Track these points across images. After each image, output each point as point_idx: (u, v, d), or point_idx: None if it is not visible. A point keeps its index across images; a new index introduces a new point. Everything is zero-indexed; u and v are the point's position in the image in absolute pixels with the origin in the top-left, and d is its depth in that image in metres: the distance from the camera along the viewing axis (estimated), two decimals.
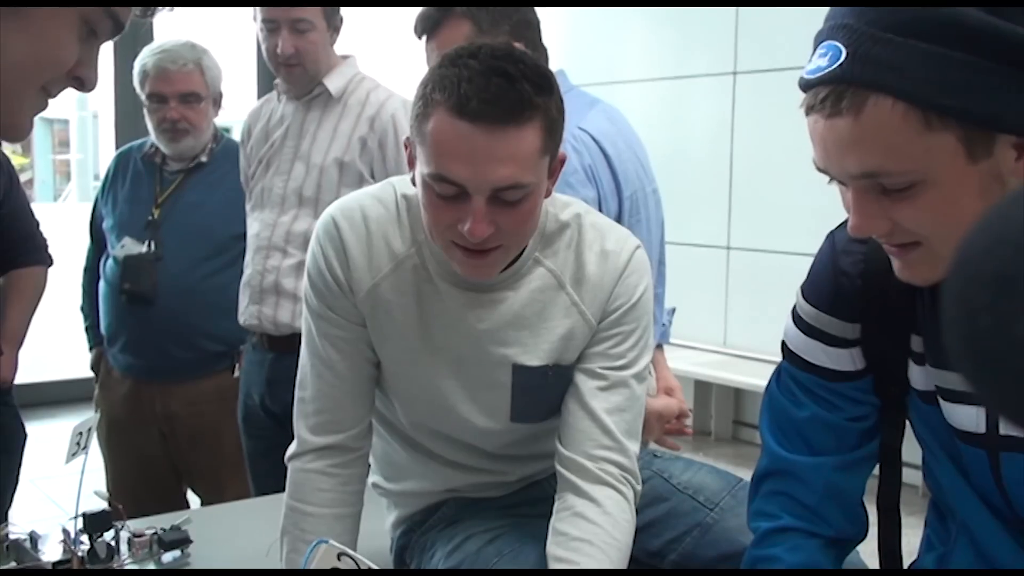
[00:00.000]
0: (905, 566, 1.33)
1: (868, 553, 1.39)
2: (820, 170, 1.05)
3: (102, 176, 2.85)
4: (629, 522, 1.46)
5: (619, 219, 2.04)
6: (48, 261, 2.38)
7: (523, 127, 1.30)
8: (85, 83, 0.94)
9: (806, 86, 1.03)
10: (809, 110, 1.02)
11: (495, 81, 1.28)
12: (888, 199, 1.01)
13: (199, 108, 2.63)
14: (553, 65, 2.04)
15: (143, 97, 2.64)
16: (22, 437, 2.35)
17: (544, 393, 1.53)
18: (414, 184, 1.42)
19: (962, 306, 0.67)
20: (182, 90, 2.61)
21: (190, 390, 2.66)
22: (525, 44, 1.97)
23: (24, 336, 2.28)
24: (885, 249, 1.08)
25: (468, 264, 1.40)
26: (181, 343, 2.62)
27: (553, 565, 1.39)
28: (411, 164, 1.41)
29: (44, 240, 2.45)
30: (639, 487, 1.51)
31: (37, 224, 2.51)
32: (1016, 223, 0.66)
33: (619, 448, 1.48)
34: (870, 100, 0.97)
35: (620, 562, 1.40)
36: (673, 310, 2.44)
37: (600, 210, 1.96)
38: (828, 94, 0.99)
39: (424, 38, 2.01)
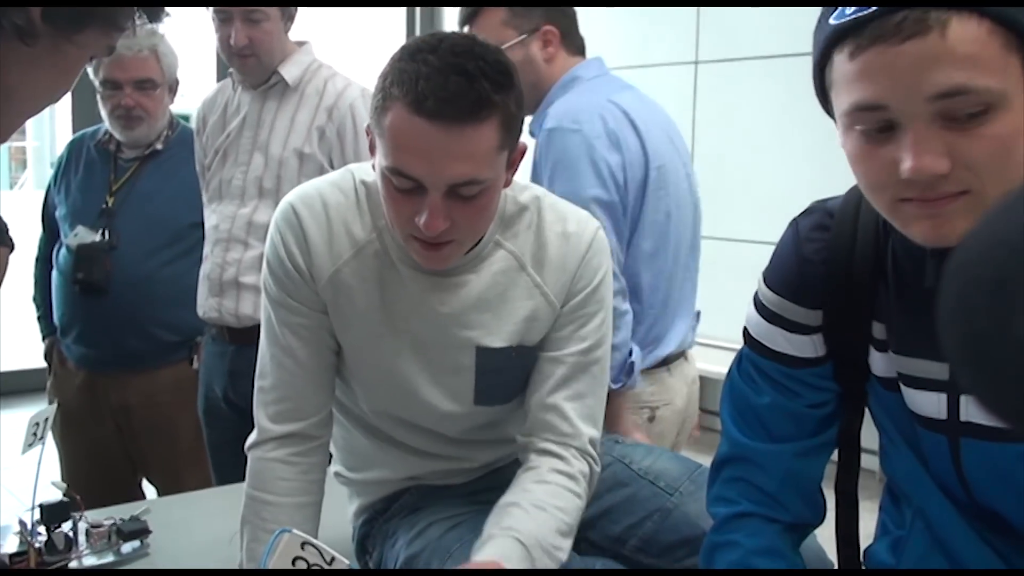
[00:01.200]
0: (861, 550, 1.34)
1: (825, 537, 1.41)
2: (867, 109, 0.99)
3: (55, 164, 2.80)
4: (569, 487, 1.47)
5: (644, 187, 2.10)
6: (9, 243, 2.34)
7: (480, 125, 1.31)
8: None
9: (862, 22, 0.97)
10: (873, 42, 0.96)
11: (453, 79, 1.28)
12: (953, 133, 0.96)
13: (154, 95, 2.60)
14: (589, 51, 2.19)
15: (97, 83, 2.60)
16: None
17: (507, 375, 1.53)
18: (373, 169, 1.42)
19: (960, 308, 0.67)
20: (137, 76, 2.57)
21: (146, 381, 2.63)
22: (556, 24, 2.11)
23: None
24: (916, 210, 1.00)
25: (424, 256, 1.41)
26: (136, 333, 2.59)
27: (485, 530, 1.40)
28: (372, 151, 1.41)
29: (4, 224, 2.40)
30: (598, 467, 1.53)
31: None
32: (1013, 225, 0.66)
33: (576, 435, 1.51)
34: (954, 18, 0.94)
35: (537, 518, 1.40)
36: (698, 313, 2.54)
37: (625, 176, 2.02)
38: (905, 17, 0.94)
39: (466, 28, 2.14)
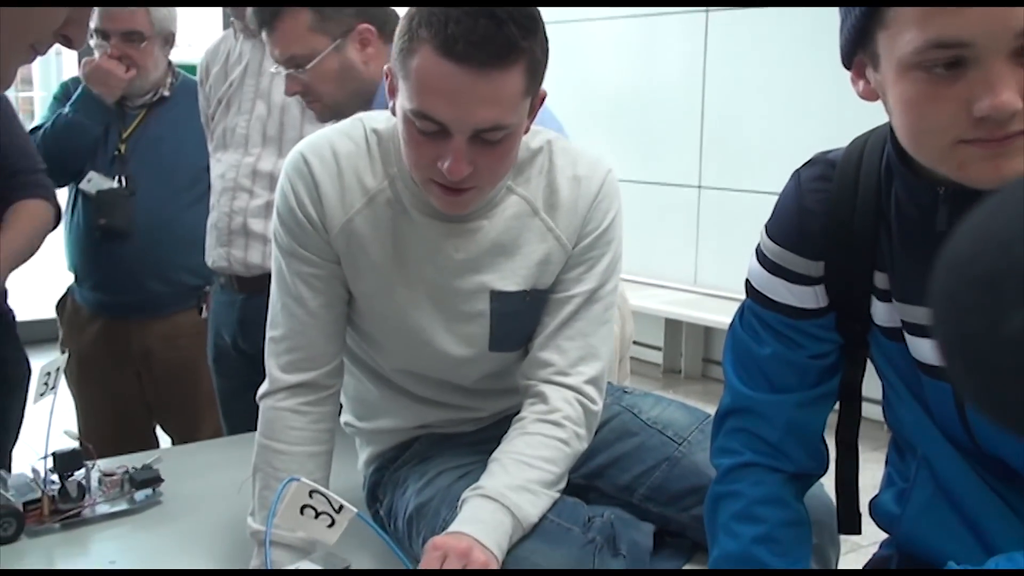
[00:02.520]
0: (863, 501, 1.35)
1: (831, 489, 1.42)
2: (945, 46, 0.95)
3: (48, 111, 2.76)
4: (551, 436, 1.48)
5: None
6: (51, 197, 2.30)
7: (508, 70, 1.30)
8: (73, 42, 0.98)
9: None
10: None
11: (483, 23, 1.27)
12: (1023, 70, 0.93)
13: (142, 48, 2.59)
14: None
15: (91, 32, 2.60)
16: (27, 372, 2.31)
17: (522, 319, 1.54)
18: (394, 114, 1.41)
19: (950, 306, 0.67)
20: (123, 28, 2.56)
21: (167, 325, 2.66)
22: (371, 21, 1.92)
23: (11, 265, 2.19)
24: (980, 150, 0.97)
25: (445, 200, 1.41)
26: (158, 277, 2.62)
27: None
28: (391, 94, 1.40)
29: (48, 181, 2.36)
30: (596, 407, 1.54)
31: (41, 165, 2.42)
32: (1003, 223, 0.66)
33: (570, 372, 1.52)
34: None
35: (513, 471, 1.42)
36: None
37: None
38: None
39: (264, 32, 1.95)
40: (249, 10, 1.93)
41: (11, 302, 2.27)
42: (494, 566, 1.32)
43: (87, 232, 2.61)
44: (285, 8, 1.88)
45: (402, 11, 1.92)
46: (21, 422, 2.27)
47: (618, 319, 2.34)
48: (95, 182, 2.58)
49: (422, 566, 1.28)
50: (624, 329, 2.36)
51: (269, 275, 1.59)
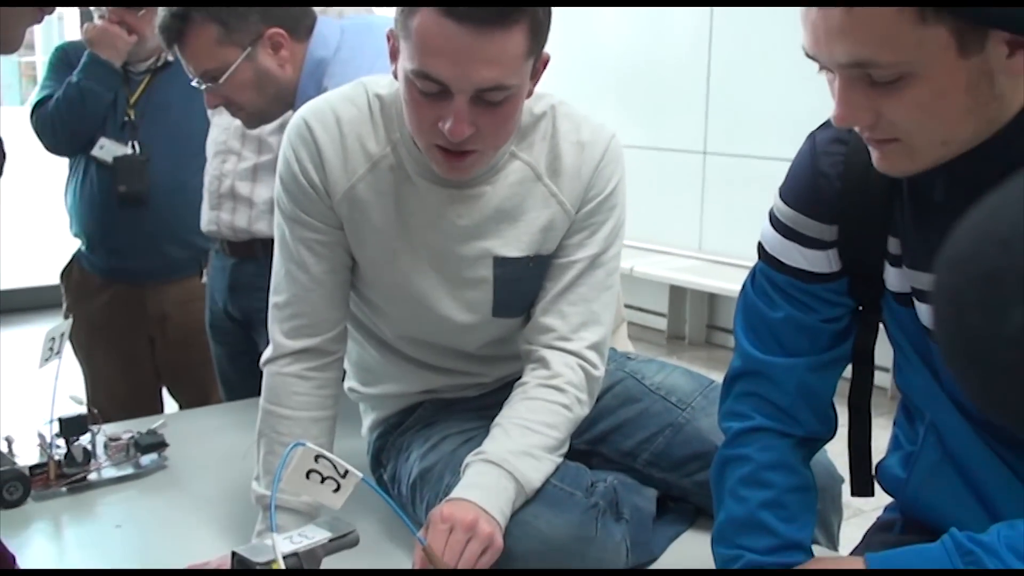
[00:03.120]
0: (873, 464, 1.35)
1: (837, 453, 1.42)
2: (809, 56, 1.04)
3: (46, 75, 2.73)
4: (553, 401, 1.48)
5: None
6: None
7: (509, 29, 1.29)
8: None
9: None
10: None
11: None
12: (875, 91, 1.00)
13: (140, 15, 2.57)
14: None
15: None
16: None
17: (525, 285, 1.54)
18: (396, 77, 1.40)
19: (951, 303, 0.67)
20: None
21: (182, 289, 2.67)
22: (280, 24, 1.88)
23: None
24: (864, 140, 1.08)
25: (447, 165, 1.40)
26: (175, 241, 2.63)
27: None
28: (393, 57, 1.39)
29: None
30: (597, 372, 1.54)
31: None
32: (1004, 221, 0.66)
33: (572, 338, 1.52)
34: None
35: (515, 436, 1.43)
36: None
37: None
38: None
39: (175, 48, 1.91)
40: (158, 28, 1.90)
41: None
42: (499, 538, 1.32)
43: (103, 199, 2.61)
44: (189, 25, 1.84)
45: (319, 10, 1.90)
46: None
47: None
48: (108, 149, 2.58)
49: (429, 539, 1.28)
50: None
51: (257, 240, 1.58)
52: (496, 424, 1.47)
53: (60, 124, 2.55)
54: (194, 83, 1.93)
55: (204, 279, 2.59)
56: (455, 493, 1.36)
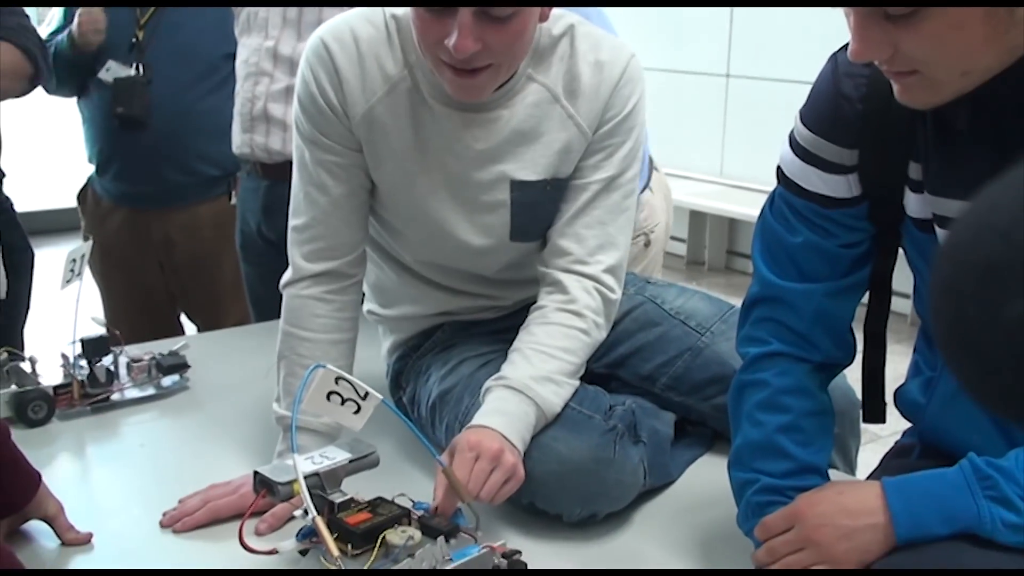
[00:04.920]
0: (888, 391, 1.35)
1: (856, 379, 1.42)
2: None
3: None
4: (571, 326, 1.49)
5: None
6: (25, 46, 2.24)
7: None
8: None
9: None
10: None
11: None
12: (891, 25, 0.98)
13: None
14: None
15: None
16: (31, 258, 2.34)
17: (542, 208, 1.53)
18: None
19: (949, 294, 0.67)
20: None
21: (188, 216, 2.65)
22: None
23: None
24: (884, 73, 1.06)
25: (457, 84, 1.38)
26: (177, 167, 2.60)
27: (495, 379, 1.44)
28: None
29: (31, 32, 2.30)
30: (614, 296, 1.54)
31: (25, 18, 2.36)
32: (1003, 211, 0.65)
33: (589, 261, 1.52)
34: None
35: (536, 362, 1.43)
36: None
37: None
38: None
39: None
40: None
41: (14, 190, 2.28)
42: (521, 469, 1.33)
43: (105, 121, 2.59)
44: None
45: None
46: (28, 306, 2.34)
47: (663, 209, 2.34)
48: (113, 70, 2.55)
49: (454, 465, 1.29)
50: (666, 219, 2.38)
51: (291, 162, 1.58)
52: (515, 349, 1.47)
53: (57, 66, 2.53)
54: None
55: (233, 201, 2.59)
56: (478, 419, 1.37)
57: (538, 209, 1.53)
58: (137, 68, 2.54)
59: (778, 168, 1.25)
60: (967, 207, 0.69)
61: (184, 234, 2.67)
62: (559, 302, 1.50)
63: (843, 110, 1.17)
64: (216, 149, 2.53)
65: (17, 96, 2.30)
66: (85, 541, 1.36)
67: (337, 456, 1.24)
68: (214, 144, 2.51)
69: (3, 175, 2.29)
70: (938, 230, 1.14)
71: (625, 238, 1.56)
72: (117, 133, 2.57)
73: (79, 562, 1.33)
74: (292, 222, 1.54)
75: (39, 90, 2.41)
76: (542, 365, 1.43)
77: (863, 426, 1.58)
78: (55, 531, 1.36)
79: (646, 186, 2.28)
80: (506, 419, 1.36)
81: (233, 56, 2.39)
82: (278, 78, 2.21)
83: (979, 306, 0.64)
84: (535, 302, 1.54)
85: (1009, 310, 0.62)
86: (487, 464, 1.29)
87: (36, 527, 1.37)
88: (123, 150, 2.60)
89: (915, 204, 1.16)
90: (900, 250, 1.25)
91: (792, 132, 1.23)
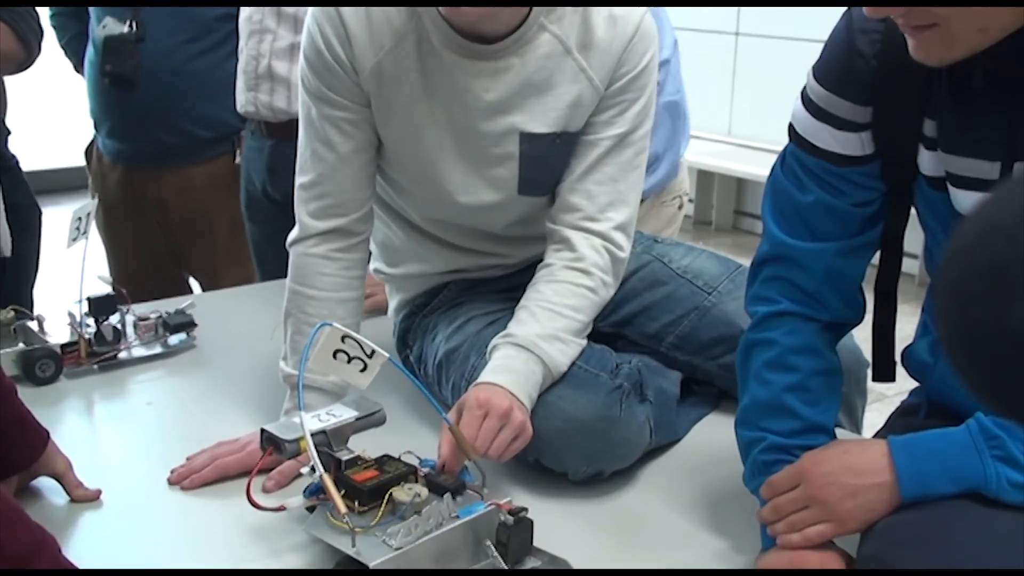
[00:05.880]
0: (898, 351, 1.34)
1: (863, 339, 1.41)
2: None
3: None
4: (579, 284, 1.48)
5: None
6: (16, 24, 2.23)
7: None
8: None
9: None
10: None
11: None
12: None
13: None
14: None
15: None
16: (38, 216, 2.34)
17: (551, 162, 1.52)
18: None
19: (954, 296, 0.66)
20: None
21: (181, 176, 2.63)
22: None
23: None
24: (900, 27, 1.04)
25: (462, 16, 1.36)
26: (168, 128, 2.57)
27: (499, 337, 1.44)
28: None
29: (24, 15, 2.30)
30: (623, 254, 1.53)
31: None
32: (1009, 213, 0.64)
33: (599, 218, 1.50)
34: None
35: (543, 320, 1.43)
36: None
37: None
38: None
39: None
40: None
41: (20, 148, 2.27)
42: (530, 427, 1.33)
43: (99, 79, 2.57)
44: None
45: None
46: (37, 265, 2.33)
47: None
48: (109, 27, 2.52)
49: (463, 423, 1.29)
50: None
51: (295, 120, 1.56)
52: (522, 307, 1.47)
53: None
54: None
55: (238, 160, 2.57)
56: (485, 376, 1.37)
57: (547, 162, 1.52)
58: (131, 25, 2.51)
59: (790, 125, 1.24)
60: (972, 209, 0.68)
61: (177, 195, 2.64)
62: (567, 260, 1.50)
63: (857, 66, 1.15)
64: (208, 110, 2.51)
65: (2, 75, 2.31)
66: (94, 497, 1.37)
67: (344, 414, 1.25)
68: (206, 105, 2.49)
69: (8, 132, 2.28)
70: (951, 188, 1.13)
71: (635, 195, 1.55)
72: (108, 91, 2.55)
73: (88, 518, 1.34)
74: (299, 179, 1.54)
75: (48, 46, 2.40)
76: (549, 323, 1.43)
77: (868, 386, 1.58)
78: (64, 488, 1.37)
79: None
80: (513, 377, 1.36)
81: (229, 17, 2.37)
82: (282, 35, 2.20)
83: (985, 308, 0.64)
84: (542, 260, 1.53)
85: (1015, 312, 0.62)
86: (496, 422, 1.29)
87: (45, 484, 1.38)
88: (116, 108, 2.58)
89: (929, 162, 1.15)
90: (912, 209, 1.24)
91: (805, 89, 1.21)
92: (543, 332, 1.41)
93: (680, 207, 2.46)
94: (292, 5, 2.16)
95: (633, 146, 1.52)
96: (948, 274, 0.67)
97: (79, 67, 2.70)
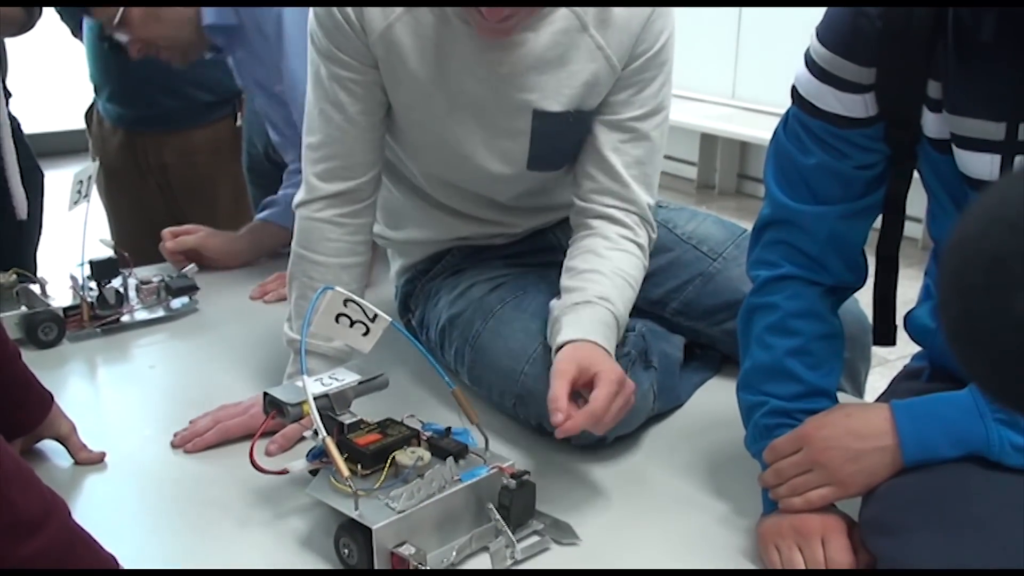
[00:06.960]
0: (899, 315, 1.34)
1: (867, 303, 1.41)
2: None
3: None
4: (640, 258, 1.47)
5: None
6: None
7: None
8: None
9: None
10: None
11: None
12: None
13: None
14: None
15: None
16: (39, 177, 2.34)
17: (563, 140, 1.50)
18: None
19: (957, 287, 0.66)
20: None
21: (182, 140, 2.62)
22: None
23: None
24: None
25: (486, 27, 1.35)
26: (168, 92, 2.57)
27: (563, 295, 1.41)
28: None
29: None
30: (655, 235, 1.52)
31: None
32: (1012, 203, 0.64)
33: (635, 200, 1.48)
34: None
35: (623, 290, 1.42)
36: None
37: None
38: None
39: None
40: None
41: (22, 111, 2.26)
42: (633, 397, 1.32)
43: (97, 44, 2.55)
44: None
45: None
46: (41, 227, 2.32)
47: None
48: None
49: (601, 395, 1.24)
50: None
51: None
52: (596, 270, 1.43)
53: None
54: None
55: (239, 123, 2.56)
56: (589, 335, 1.33)
57: (559, 140, 1.50)
58: None
59: (793, 88, 1.23)
60: (975, 201, 0.68)
61: (178, 159, 2.64)
62: (624, 232, 1.47)
63: (861, 27, 1.14)
64: (209, 75, 2.49)
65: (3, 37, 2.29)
66: (98, 460, 1.38)
67: (346, 378, 1.25)
68: (206, 70, 2.47)
69: (10, 95, 2.27)
70: (956, 150, 1.12)
71: (658, 175, 1.53)
72: (108, 56, 2.53)
73: (93, 481, 1.35)
74: (306, 140, 1.51)
75: (48, 9, 2.38)
76: (626, 293, 1.42)
77: (873, 350, 1.58)
78: (68, 450, 1.38)
79: None
80: (612, 346, 1.36)
81: None
82: None
83: (988, 299, 0.63)
84: (547, 229, 1.52)
85: (1018, 303, 0.61)
86: (623, 401, 1.28)
87: (49, 446, 1.39)
88: (116, 74, 2.57)
89: (933, 124, 1.14)
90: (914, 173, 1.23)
91: (808, 50, 1.20)
92: (625, 307, 1.41)
93: None
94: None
95: (657, 127, 1.49)
96: (950, 266, 0.67)
97: (76, 31, 2.68)
